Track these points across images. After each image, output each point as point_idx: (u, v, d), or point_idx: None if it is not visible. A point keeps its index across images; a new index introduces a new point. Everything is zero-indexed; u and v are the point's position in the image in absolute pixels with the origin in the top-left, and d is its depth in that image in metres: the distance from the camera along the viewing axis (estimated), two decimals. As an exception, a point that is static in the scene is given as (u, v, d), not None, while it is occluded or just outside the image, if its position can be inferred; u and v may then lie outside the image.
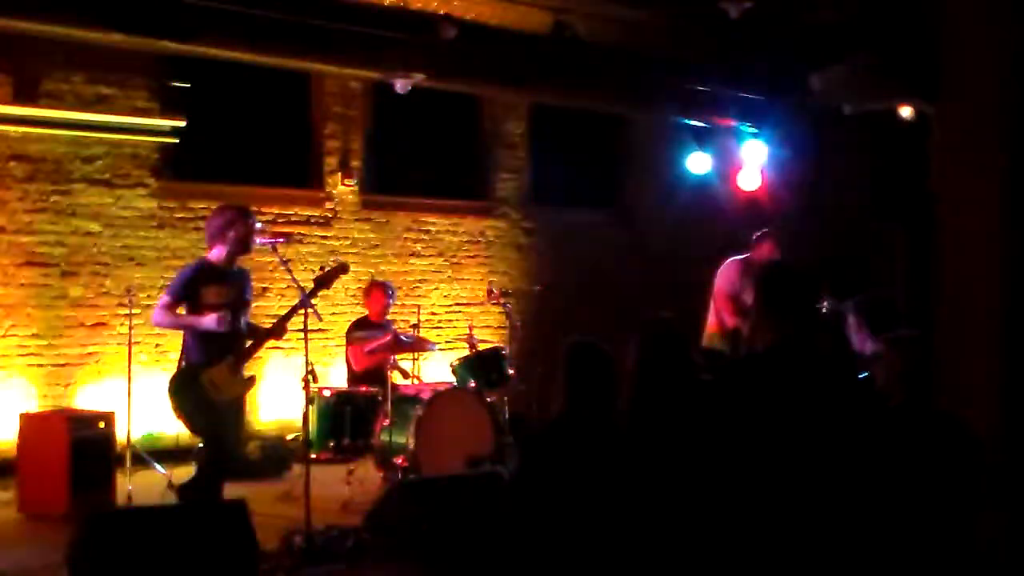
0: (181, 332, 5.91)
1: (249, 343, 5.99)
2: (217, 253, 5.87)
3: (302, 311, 6.02)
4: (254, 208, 9.09)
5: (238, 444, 6.11)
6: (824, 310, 5.51)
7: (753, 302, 3.13)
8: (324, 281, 6.18)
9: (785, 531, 2.98)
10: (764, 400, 3.00)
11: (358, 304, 9.54)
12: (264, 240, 6.33)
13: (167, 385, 5.85)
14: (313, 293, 6.13)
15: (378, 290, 8.21)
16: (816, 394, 3.02)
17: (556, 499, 3.51)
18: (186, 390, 5.73)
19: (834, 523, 3.15)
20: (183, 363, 5.83)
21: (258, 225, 6.16)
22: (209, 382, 5.70)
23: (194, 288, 5.75)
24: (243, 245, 5.90)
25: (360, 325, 8.12)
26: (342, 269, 6.39)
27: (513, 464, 3.60)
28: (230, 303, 5.81)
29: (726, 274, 7.98)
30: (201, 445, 5.96)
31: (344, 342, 8.28)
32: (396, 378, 7.69)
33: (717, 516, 3.01)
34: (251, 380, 6.01)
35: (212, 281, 5.79)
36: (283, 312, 6.19)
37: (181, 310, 5.80)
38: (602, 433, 3.61)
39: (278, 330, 6.09)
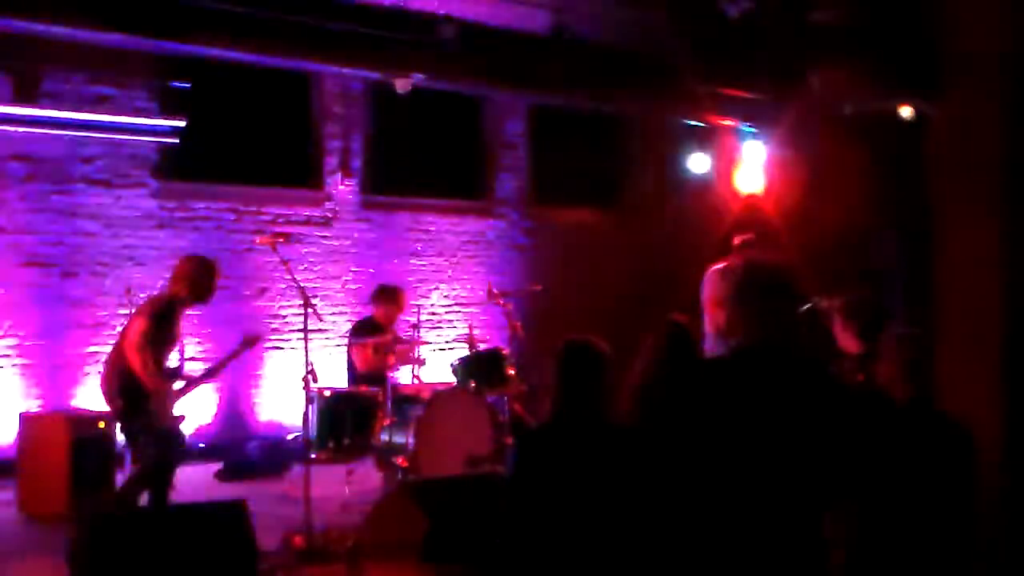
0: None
1: (183, 385, 6.10)
2: (179, 291, 6.00)
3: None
4: (254, 208, 9.22)
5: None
6: (809, 307, 5.50)
7: (728, 301, 3.12)
8: (246, 346, 6.40)
9: (780, 529, 2.98)
10: (740, 399, 2.99)
11: (358, 304, 9.56)
12: (264, 240, 6.37)
13: (117, 414, 5.92)
14: (235, 355, 6.35)
15: (397, 297, 8.21)
16: (794, 393, 3.01)
17: (550, 499, 3.51)
18: (138, 416, 5.80)
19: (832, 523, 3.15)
20: (126, 399, 5.85)
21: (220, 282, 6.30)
22: (158, 408, 5.77)
23: (168, 319, 5.88)
24: (200, 298, 6.06)
25: (364, 327, 8.11)
26: (249, 344, 6.50)
27: (508, 464, 3.61)
28: (174, 342, 5.99)
29: (709, 282, 8.00)
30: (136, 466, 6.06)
31: (345, 344, 8.28)
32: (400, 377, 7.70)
33: (711, 515, 3.01)
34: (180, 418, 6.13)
35: (177, 319, 5.97)
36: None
37: None
38: (595, 432, 3.61)
39: (210, 376, 6.32)
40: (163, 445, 5.87)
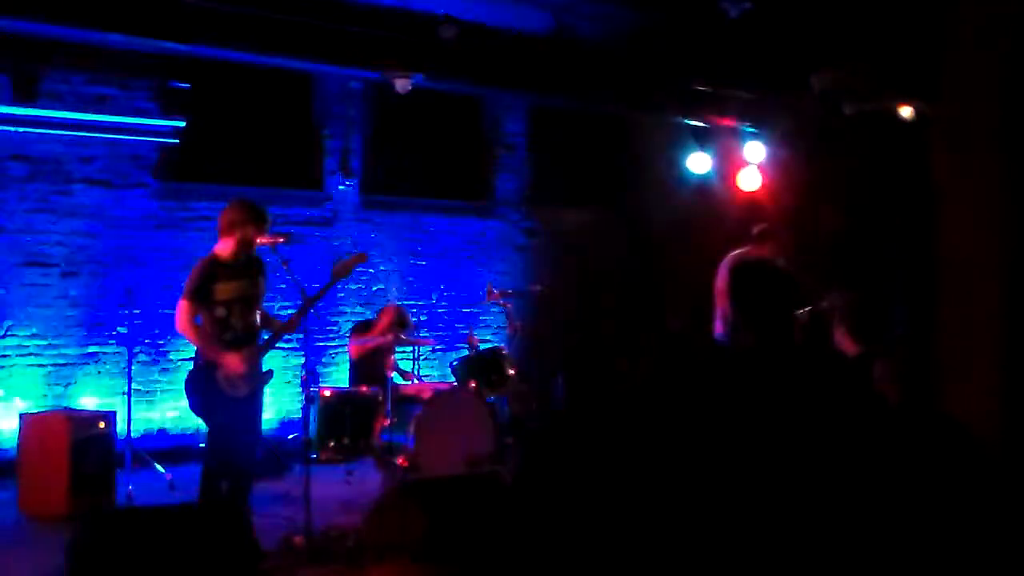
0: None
1: (266, 338, 5.99)
2: (224, 246, 5.88)
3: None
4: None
5: (253, 447, 6.04)
6: (821, 308, 5.50)
7: (728, 303, 3.14)
8: (343, 271, 6.18)
9: (780, 533, 2.98)
10: (744, 401, 2.99)
11: (358, 304, 9.56)
12: (264, 240, 6.35)
13: (185, 381, 5.88)
14: (331, 284, 6.13)
15: (393, 314, 8.22)
16: (794, 395, 3.01)
17: (556, 498, 3.51)
18: (204, 387, 5.74)
19: (826, 527, 3.15)
20: (200, 359, 5.83)
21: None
22: (225, 378, 5.70)
23: (207, 286, 5.77)
24: (248, 246, 5.92)
25: (365, 327, 8.15)
26: (360, 259, 6.37)
27: (515, 462, 3.61)
28: (239, 298, 5.83)
29: (725, 270, 8.01)
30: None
31: (346, 341, 8.30)
32: (396, 378, 7.71)
33: (714, 516, 3.01)
34: (268, 373, 6.03)
35: (222, 277, 5.82)
36: (289, 310, 6.20)
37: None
38: (603, 431, 3.60)
39: (294, 323, 6.08)
40: (229, 420, 5.74)
